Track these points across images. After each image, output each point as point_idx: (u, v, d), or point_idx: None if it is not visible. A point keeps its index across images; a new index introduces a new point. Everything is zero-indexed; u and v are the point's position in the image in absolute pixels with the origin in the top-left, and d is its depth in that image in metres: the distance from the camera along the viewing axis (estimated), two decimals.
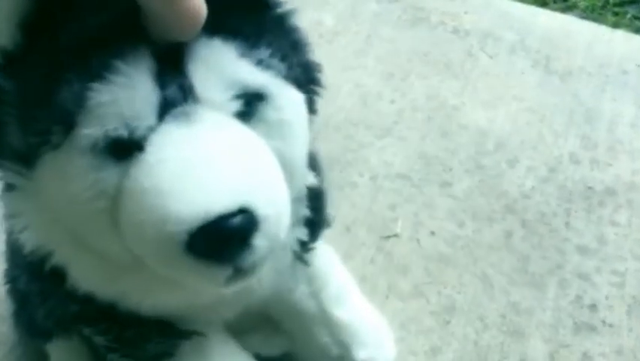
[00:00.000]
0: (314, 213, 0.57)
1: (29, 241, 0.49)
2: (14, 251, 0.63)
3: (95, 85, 0.40)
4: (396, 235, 0.91)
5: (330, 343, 0.69)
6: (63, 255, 0.49)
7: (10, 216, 0.49)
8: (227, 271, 0.42)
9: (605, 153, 1.03)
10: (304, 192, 0.54)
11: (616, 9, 1.35)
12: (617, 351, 0.80)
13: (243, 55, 0.43)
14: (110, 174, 0.41)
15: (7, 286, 0.70)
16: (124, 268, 0.47)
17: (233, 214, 0.39)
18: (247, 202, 0.40)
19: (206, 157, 0.41)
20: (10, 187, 0.47)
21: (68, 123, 0.40)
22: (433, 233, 0.91)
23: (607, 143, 1.05)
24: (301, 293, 0.67)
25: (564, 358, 0.79)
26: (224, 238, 0.40)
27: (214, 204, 0.39)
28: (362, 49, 1.18)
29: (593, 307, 0.84)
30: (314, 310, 0.67)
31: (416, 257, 0.88)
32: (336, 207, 0.88)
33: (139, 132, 0.41)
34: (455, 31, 1.22)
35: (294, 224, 0.54)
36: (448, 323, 0.82)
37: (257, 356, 0.66)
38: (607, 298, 0.85)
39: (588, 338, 0.81)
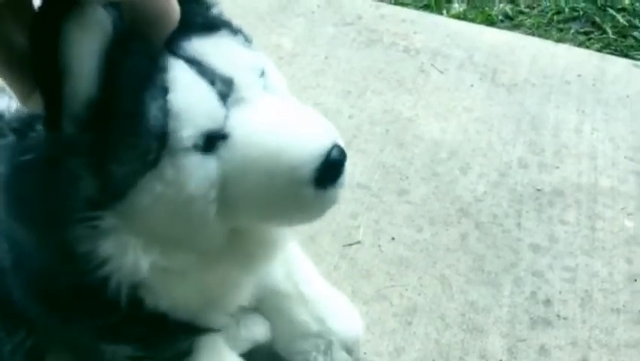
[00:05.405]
0: None
1: (118, 277, 0.47)
2: None
3: (171, 95, 0.43)
4: (358, 242, 0.88)
5: (309, 320, 0.67)
6: (154, 275, 0.47)
7: (99, 264, 0.46)
8: (337, 192, 0.48)
9: (551, 157, 1.02)
10: None
11: (560, 25, 1.35)
12: (572, 343, 0.79)
13: (242, 43, 0.48)
14: (211, 164, 0.45)
15: None
16: (211, 265, 0.50)
17: (332, 148, 0.46)
18: (334, 137, 0.47)
19: (289, 117, 0.47)
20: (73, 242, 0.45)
21: (164, 135, 0.43)
22: (393, 239, 0.89)
23: (553, 147, 1.04)
24: (277, 274, 0.66)
25: (522, 352, 0.77)
26: (336, 166, 0.47)
27: (321, 144, 0.46)
28: (320, 69, 1.16)
29: (548, 302, 0.83)
30: (291, 290, 0.67)
31: (378, 262, 0.86)
32: None
33: (220, 123, 0.45)
34: (406, 50, 1.22)
35: None
36: (410, 323, 0.79)
37: None
38: (560, 292, 0.84)
39: (544, 332, 0.80)
